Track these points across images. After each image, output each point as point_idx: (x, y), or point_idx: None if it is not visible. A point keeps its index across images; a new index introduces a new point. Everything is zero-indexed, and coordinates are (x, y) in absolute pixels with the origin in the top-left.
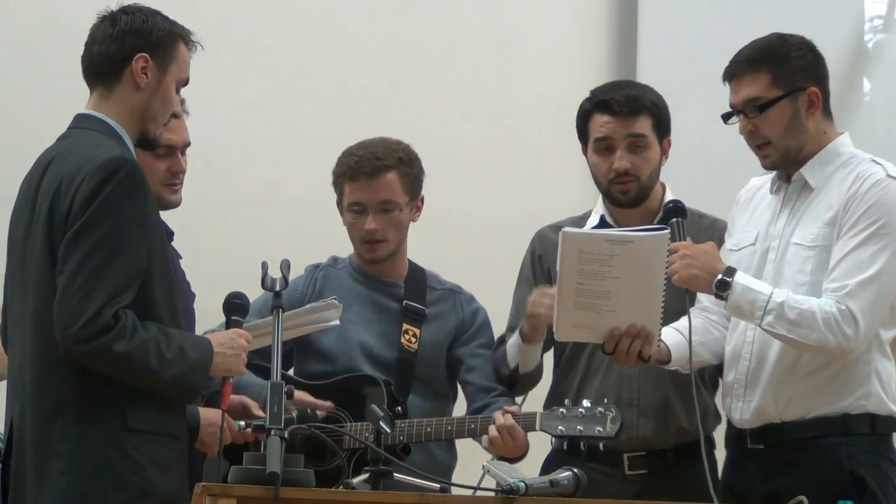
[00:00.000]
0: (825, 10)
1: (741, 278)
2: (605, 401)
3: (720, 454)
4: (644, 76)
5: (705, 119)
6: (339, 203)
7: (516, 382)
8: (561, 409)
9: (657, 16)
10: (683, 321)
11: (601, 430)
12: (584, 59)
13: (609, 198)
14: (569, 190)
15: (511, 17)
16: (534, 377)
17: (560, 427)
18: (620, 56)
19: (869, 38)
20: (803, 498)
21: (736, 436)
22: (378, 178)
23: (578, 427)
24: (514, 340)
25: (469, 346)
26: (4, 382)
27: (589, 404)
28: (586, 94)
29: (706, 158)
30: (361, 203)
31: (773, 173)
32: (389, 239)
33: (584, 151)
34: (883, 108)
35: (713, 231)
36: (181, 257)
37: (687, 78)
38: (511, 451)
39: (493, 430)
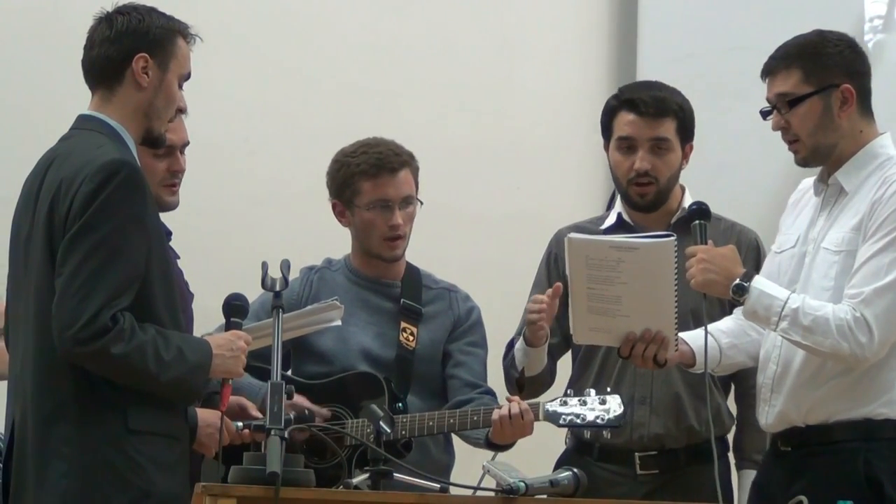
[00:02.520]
0: (825, 10)
1: (759, 283)
2: (608, 389)
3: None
4: (644, 76)
5: (705, 119)
6: (347, 202)
7: (524, 386)
8: (564, 399)
9: (657, 16)
10: (719, 322)
11: (604, 418)
12: (585, 58)
13: (626, 199)
14: (569, 189)
15: (511, 16)
16: (542, 382)
17: (563, 417)
18: (620, 56)
19: (869, 38)
20: (803, 498)
21: (771, 439)
22: (400, 173)
23: (581, 416)
24: (520, 344)
25: (459, 343)
26: (5, 383)
27: (592, 393)
28: (586, 94)
29: (706, 159)
30: (387, 199)
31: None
32: (407, 234)
33: (606, 148)
34: (883, 108)
35: (730, 234)
36: (179, 257)
37: (687, 78)
38: (514, 437)
39: (503, 411)
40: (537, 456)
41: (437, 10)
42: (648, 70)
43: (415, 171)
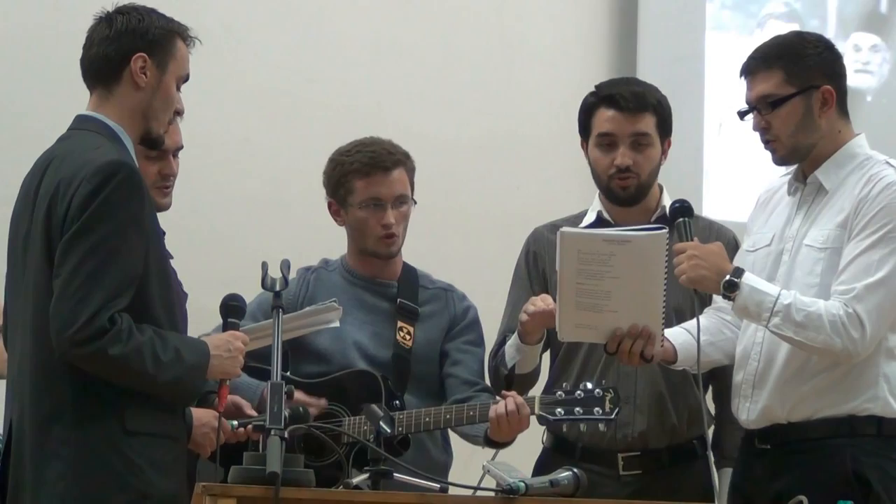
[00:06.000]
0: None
1: (749, 279)
2: (604, 382)
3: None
4: (644, 76)
5: (704, 119)
6: (342, 201)
7: (513, 383)
8: (559, 393)
9: (657, 16)
10: (694, 320)
11: (600, 411)
12: (585, 58)
13: (607, 193)
14: (569, 189)
15: (512, 16)
16: (531, 379)
17: (558, 410)
18: (620, 55)
19: None
20: (803, 498)
21: (745, 437)
22: (393, 172)
23: (577, 409)
24: (512, 341)
25: (456, 342)
26: (4, 383)
27: (588, 387)
28: (586, 94)
29: (705, 158)
30: (380, 198)
31: (791, 175)
32: (401, 233)
33: (584, 145)
34: (883, 108)
35: (709, 233)
36: (172, 257)
37: (687, 78)
38: (512, 433)
39: (499, 408)
40: (537, 456)
41: (437, 10)
42: (648, 70)
43: (410, 171)
